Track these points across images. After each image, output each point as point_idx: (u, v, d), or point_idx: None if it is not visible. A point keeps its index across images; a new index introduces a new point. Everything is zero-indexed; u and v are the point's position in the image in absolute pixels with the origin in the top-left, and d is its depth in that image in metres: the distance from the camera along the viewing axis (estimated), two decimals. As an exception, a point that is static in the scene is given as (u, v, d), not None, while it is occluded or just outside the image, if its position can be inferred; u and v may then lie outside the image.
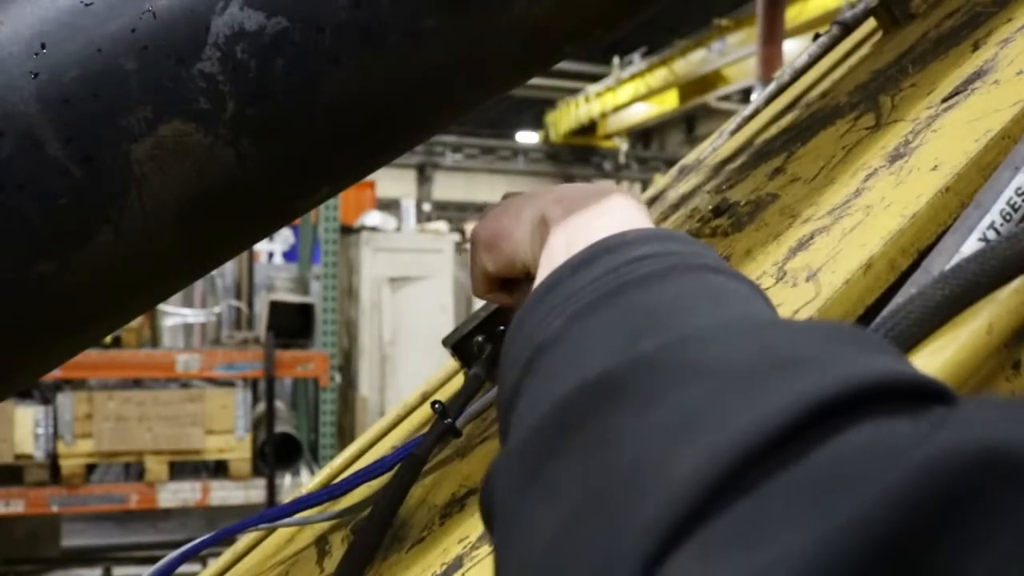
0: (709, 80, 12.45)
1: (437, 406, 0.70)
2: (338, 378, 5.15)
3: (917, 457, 0.24)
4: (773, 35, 5.85)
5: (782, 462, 0.26)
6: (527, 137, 17.80)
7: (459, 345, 0.73)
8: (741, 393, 0.29)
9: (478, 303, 0.73)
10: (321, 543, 0.81)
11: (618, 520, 0.28)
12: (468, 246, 0.62)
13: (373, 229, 6.07)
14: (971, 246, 0.51)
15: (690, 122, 16.39)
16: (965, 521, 0.22)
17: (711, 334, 0.34)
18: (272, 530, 0.87)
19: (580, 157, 17.01)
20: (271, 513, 0.77)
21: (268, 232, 0.66)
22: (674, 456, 0.28)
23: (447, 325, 5.31)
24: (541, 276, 0.50)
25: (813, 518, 0.24)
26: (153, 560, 0.79)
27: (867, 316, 0.53)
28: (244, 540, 0.89)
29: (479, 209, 16.05)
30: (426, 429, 0.71)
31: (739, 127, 1.06)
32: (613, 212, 0.51)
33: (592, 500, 0.30)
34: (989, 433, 0.24)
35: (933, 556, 0.22)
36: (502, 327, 0.72)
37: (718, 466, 0.26)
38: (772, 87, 1.05)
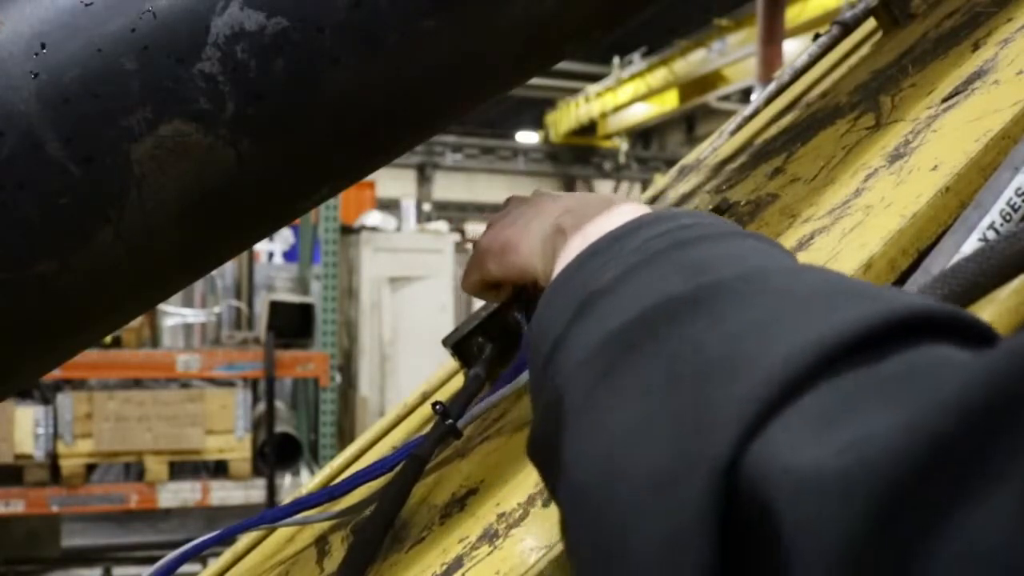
0: (709, 80, 12.45)
1: (438, 407, 0.70)
2: (338, 378, 5.14)
3: (978, 367, 0.26)
4: (773, 35, 5.85)
5: (864, 359, 0.28)
6: (527, 137, 17.80)
7: (459, 345, 0.73)
8: (819, 307, 0.32)
9: (478, 303, 0.73)
10: (321, 543, 0.81)
11: (711, 399, 0.30)
12: (470, 241, 0.63)
13: (373, 229, 6.07)
14: (971, 246, 0.51)
15: (690, 122, 16.39)
16: None
17: (776, 270, 0.36)
18: (272, 530, 0.87)
19: (580, 157, 17.00)
20: (271, 513, 0.77)
21: (268, 232, 0.66)
22: (764, 347, 0.30)
23: (447, 325, 5.31)
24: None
25: (897, 404, 0.26)
26: (153, 560, 0.79)
27: (867, 316, 0.53)
28: (244, 540, 0.89)
29: (479, 209, 16.06)
30: (426, 429, 0.72)
31: (739, 127, 1.06)
32: (625, 216, 0.51)
33: (683, 382, 0.32)
34: None
35: (1005, 445, 0.23)
36: (502, 328, 0.72)
37: (808, 355, 0.29)
38: (772, 87, 1.05)
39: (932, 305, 0.31)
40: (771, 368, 0.29)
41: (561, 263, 0.51)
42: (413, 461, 0.68)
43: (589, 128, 15.88)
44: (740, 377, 0.30)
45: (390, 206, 7.85)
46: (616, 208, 0.53)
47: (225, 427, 4.29)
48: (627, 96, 14.33)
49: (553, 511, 0.55)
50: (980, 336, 0.30)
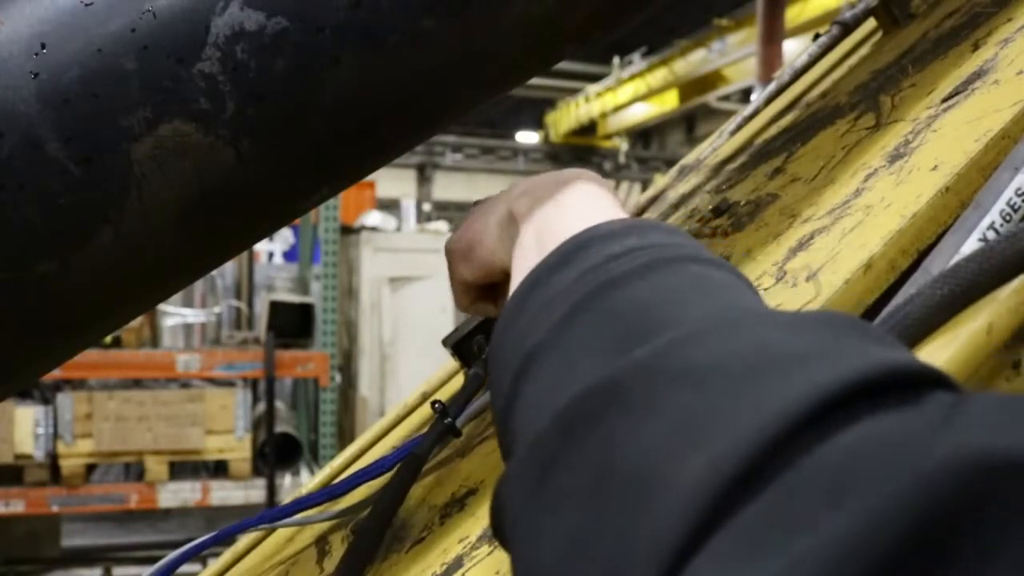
0: (709, 80, 12.45)
1: (437, 406, 0.70)
2: (338, 378, 5.14)
3: (925, 462, 0.24)
4: (773, 35, 5.85)
5: (787, 464, 0.26)
6: (527, 137, 17.80)
7: (459, 345, 0.73)
8: (739, 395, 0.29)
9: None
10: (321, 543, 0.81)
11: (627, 535, 0.28)
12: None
13: (373, 229, 6.06)
14: (971, 246, 0.51)
15: (690, 122, 16.38)
16: (976, 529, 0.22)
17: (703, 333, 0.33)
18: (272, 530, 0.87)
19: (580, 157, 17.00)
20: (271, 513, 0.77)
21: (268, 232, 0.66)
22: (678, 465, 0.28)
23: (447, 325, 5.31)
24: (516, 277, 0.49)
25: (823, 521, 0.24)
26: (153, 560, 0.79)
27: (867, 316, 0.53)
28: (244, 540, 0.89)
29: (479, 209, 16.03)
30: (426, 429, 0.71)
31: (739, 127, 1.06)
32: (580, 200, 0.50)
33: (598, 516, 0.29)
34: (989, 439, 0.24)
35: (946, 563, 0.22)
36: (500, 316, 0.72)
37: (722, 474, 0.26)
38: (772, 87, 1.05)
39: (868, 366, 0.28)
40: (687, 495, 0.26)
41: (516, 262, 0.50)
42: (411, 460, 0.68)
43: (589, 128, 15.87)
44: (654, 506, 0.27)
45: (390, 206, 7.85)
46: (571, 190, 0.51)
47: (225, 427, 4.29)
48: (627, 96, 14.33)
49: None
50: (930, 383, 0.28)
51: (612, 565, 0.27)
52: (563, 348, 0.38)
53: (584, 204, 0.50)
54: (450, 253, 0.59)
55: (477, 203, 0.60)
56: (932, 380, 0.29)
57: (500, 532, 0.37)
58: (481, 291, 0.60)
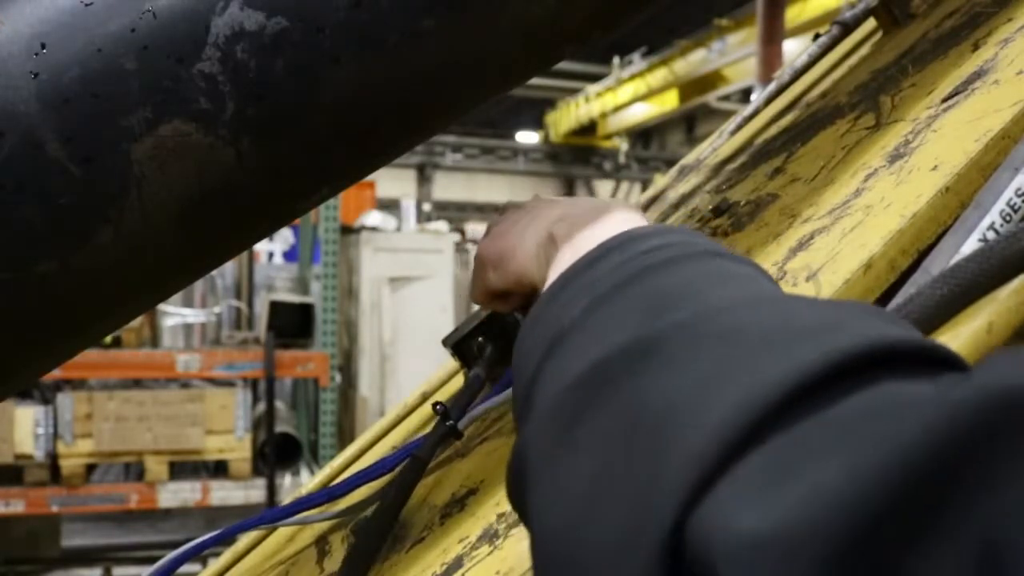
0: (709, 80, 12.45)
1: (439, 407, 0.70)
2: (338, 378, 5.14)
3: (941, 404, 0.25)
4: (773, 35, 5.84)
5: (813, 407, 0.28)
6: (527, 137, 17.80)
7: (459, 345, 0.73)
8: (768, 351, 0.31)
9: (478, 303, 0.73)
10: (321, 543, 0.81)
11: (657, 460, 0.29)
12: (470, 241, 0.62)
13: (373, 229, 6.06)
14: (971, 246, 0.51)
15: (690, 122, 16.38)
16: (990, 461, 0.23)
17: (736, 306, 0.36)
18: (272, 530, 0.87)
19: (580, 157, 17.00)
20: (271, 513, 0.77)
21: (268, 232, 0.66)
22: (708, 402, 0.30)
23: (447, 325, 5.31)
24: None
25: (844, 455, 0.25)
26: (153, 560, 0.79)
27: (867, 316, 0.53)
28: (244, 540, 0.89)
29: (479, 209, 16.06)
30: (426, 429, 0.71)
31: (739, 127, 1.06)
32: (616, 225, 0.52)
33: (628, 452, 0.31)
34: (1009, 379, 0.25)
35: (960, 493, 0.23)
36: (502, 328, 0.72)
37: (752, 408, 0.28)
38: (772, 87, 1.05)
39: (890, 337, 0.30)
40: (715, 424, 0.28)
41: (552, 274, 0.52)
42: (414, 462, 0.68)
43: (589, 128, 15.87)
44: (683, 437, 0.29)
45: (390, 206, 7.85)
46: (609, 216, 0.53)
47: (225, 427, 4.29)
48: (627, 96, 14.33)
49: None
50: (944, 364, 0.30)
51: (637, 497, 0.29)
52: (595, 324, 0.40)
53: (620, 228, 0.51)
54: (481, 259, 0.61)
55: (506, 207, 0.63)
56: (946, 359, 0.30)
57: (517, 489, 0.38)
58: (499, 293, 0.62)
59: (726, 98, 13.40)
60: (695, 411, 0.30)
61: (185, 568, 0.77)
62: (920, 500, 0.23)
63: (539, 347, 0.42)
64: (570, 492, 0.33)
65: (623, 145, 16.63)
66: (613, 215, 0.53)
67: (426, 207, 14.66)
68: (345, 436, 5.17)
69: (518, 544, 0.56)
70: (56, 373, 3.83)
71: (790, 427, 0.27)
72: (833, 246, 0.58)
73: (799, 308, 0.35)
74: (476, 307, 0.72)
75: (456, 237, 6.61)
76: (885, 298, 0.53)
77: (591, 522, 0.31)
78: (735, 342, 0.32)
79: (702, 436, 0.28)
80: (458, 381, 0.92)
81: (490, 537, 0.60)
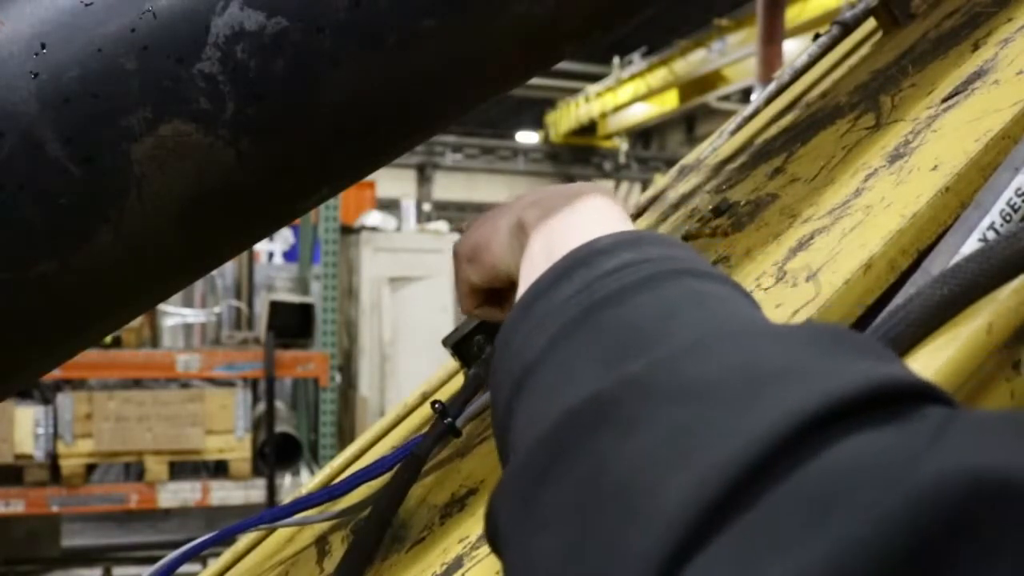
0: (709, 80, 12.45)
1: (437, 406, 0.70)
2: (338, 378, 5.14)
3: (912, 482, 0.24)
4: (773, 35, 5.84)
5: (773, 481, 0.26)
6: (527, 137, 17.80)
7: (459, 345, 0.73)
8: (726, 412, 0.29)
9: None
10: (321, 543, 0.81)
11: (614, 552, 0.28)
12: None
13: (373, 229, 6.06)
14: (971, 247, 0.51)
15: (690, 122, 16.38)
16: (959, 552, 0.22)
17: (693, 350, 0.34)
18: (272, 530, 0.87)
19: (580, 157, 17.00)
20: (271, 513, 0.77)
21: (268, 232, 0.66)
22: (665, 482, 0.28)
23: (447, 325, 5.31)
24: (523, 285, 0.49)
25: (809, 540, 0.24)
26: (153, 560, 0.79)
27: (867, 316, 0.53)
28: (244, 540, 0.89)
29: (479, 209, 16.04)
30: (426, 429, 0.71)
31: (739, 127, 1.06)
32: (589, 213, 0.50)
33: (586, 532, 0.30)
34: (980, 459, 0.24)
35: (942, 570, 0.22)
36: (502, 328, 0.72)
37: (708, 491, 0.26)
38: (772, 87, 1.05)
39: (857, 383, 0.28)
40: (672, 511, 0.26)
41: (523, 270, 0.50)
42: (411, 460, 0.68)
43: (589, 128, 15.87)
44: (641, 523, 0.27)
45: (390, 206, 7.85)
46: (580, 201, 0.51)
47: (225, 427, 4.29)
48: (627, 96, 14.33)
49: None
50: (920, 397, 0.28)
51: None
52: (558, 364, 0.39)
53: (592, 217, 0.50)
54: (457, 255, 0.60)
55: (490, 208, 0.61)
56: (922, 394, 0.29)
57: (493, 543, 0.37)
58: (486, 295, 0.61)
59: (726, 98, 13.40)
60: (654, 490, 0.28)
61: (185, 568, 0.77)
62: None
63: (508, 380, 0.41)
64: (532, 570, 0.31)
65: (623, 145, 16.63)
66: (585, 201, 0.52)
67: (426, 207, 14.66)
68: (345, 436, 5.17)
69: (518, 544, 0.56)
70: (56, 373, 3.83)
71: (754, 506, 0.25)
72: (833, 246, 0.58)
73: (764, 349, 0.32)
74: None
75: (456, 237, 6.60)
76: (885, 298, 0.53)
77: None
78: (695, 401, 0.30)
79: (662, 523, 0.26)
80: (458, 381, 0.92)
81: (490, 537, 0.59)
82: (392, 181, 13.45)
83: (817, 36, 1.05)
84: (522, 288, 0.49)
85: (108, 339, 4.23)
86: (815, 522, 0.24)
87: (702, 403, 0.30)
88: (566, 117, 16.08)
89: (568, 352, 0.39)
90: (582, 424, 0.33)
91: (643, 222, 0.99)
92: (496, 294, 0.61)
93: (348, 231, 5.90)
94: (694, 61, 12.33)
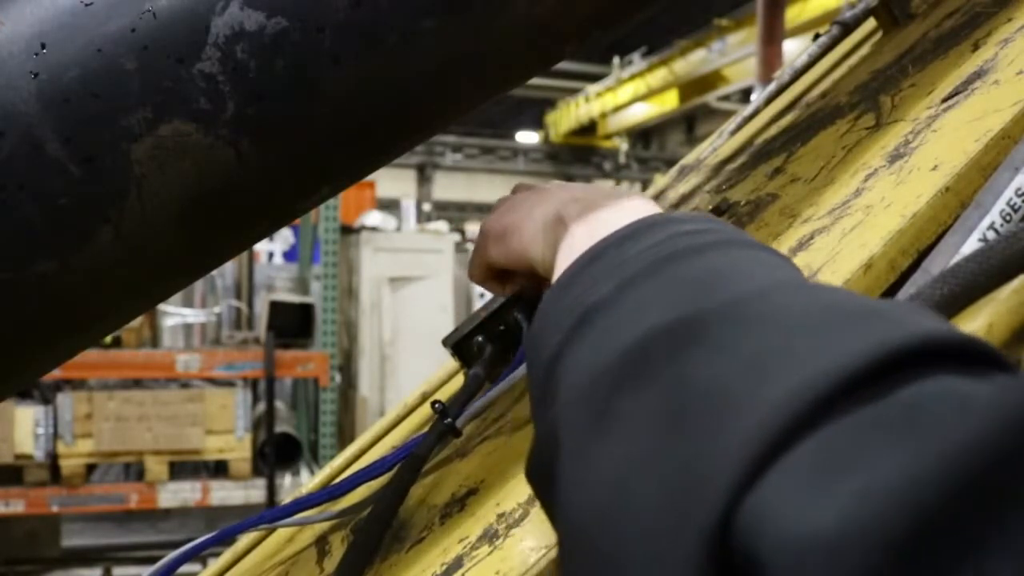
0: (709, 80, 12.46)
1: (437, 406, 0.70)
2: (338, 378, 5.14)
3: (993, 415, 0.25)
4: (773, 35, 5.85)
5: (862, 401, 0.27)
6: (527, 137, 17.80)
7: (459, 345, 0.73)
8: (820, 337, 0.30)
9: (478, 303, 0.73)
10: (321, 543, 0.81)
11: (704, 445, 0.29)
12: (470, 241, 0.63)
13: (373, 229, 6.07)
14: (971, 247, 0.51)
15: (690, 122, 16.39)
16: None
17: (779, 287, 0.35)
18: (272, 530, 0.87)
19: (580, 157, 17.01)
20: (271, 513, 0.77)
21: (268, 232, 0.66)
22: (760, 387, 0.29)
23: (447, 325, 5.31)
24: (560, 268, 0.49)
25: (901, 449, 0.25)
26: (153, 560, 0.79)
27: (867, 316, 0.53)
28: (244, 540, 0.89)
29: (479, 209, 16.06)
30: (426, 429, 0.71)
31: (739, 127, 1.06)
32: (631, 209, 0.51)
33: (670, 437, 0.30)
34: None
35: (1016, 499, 0.23)
36: (502, 327, 0.72)
37: (806, 396, 0.27)
38: (772, 87, 1.05)
39: (941, 332, 0.29)
40: (765, 413, 0.27)
41: (562, 255, 0.51)
42: (411, 460, 0.68)
43: (589, 128, 15.88)
44: (733, 423, 0.28)
45: (390, 206, 7.85)
46: (623, 202, 0.52)
47: (225, 427, 4.29)
48: (627, 96, 14.34)
49: (553, 511, 0.55)
50: (992, 363, 0.29)
51: (682, 482, 0.28)
52: (631, 301, 0.39)
53: (636, 213, 0.50)
54: (484, 232, 0.61)
55: (517, 188, 0.63)
56: (994, 359, 0.30)
57: (541, 477, 0.37)
58: (496, 272, 0.63)
59: (726, 98, 13.41)
60: (746, 396, 0.29)
61: (185, 568, 0.77)
62: (982, 504, 0.23)
63: (563, 323, 0.41)
64: (606, 478, 0.32)
65: (623, 145, 16.64)
66: (628, 201, 0.52)
67: (426, 207, 14.67)
68: (345, 436, 5.17)
69: (518, 544, 0.56)
70: (56, 373, 3.84)
71: (844, 417, 0.26)
72: (833, 246, 0.58)
73: (845, 296, 0.34)
74: (476, 307, 0.72)
75: (456, 237, 6.61)
76: (885, 298, 0.53)
77: (629, 509, 0.30)
78: (786, 326, 0.31)
79: (754, 422, 0.27)
80: (458, 381, 0.92)
81: (490, 537, 0.59)
82: (392, 181, 13.46)
83: (817, 36, 1.05)
84: (559, 270, 0.49)
85: (108, 339, 4.23)
86: (898, 440, 0.25)
87: (793, 330, 0.31)
88: (566, 117, 16.09)
89: (643, 292, 0.39)
90: (670, 341, 0.34)
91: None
92: (505, 274, 0.63)
93: (348, 231, 5.90)
94: (694, 61, 12.33)
